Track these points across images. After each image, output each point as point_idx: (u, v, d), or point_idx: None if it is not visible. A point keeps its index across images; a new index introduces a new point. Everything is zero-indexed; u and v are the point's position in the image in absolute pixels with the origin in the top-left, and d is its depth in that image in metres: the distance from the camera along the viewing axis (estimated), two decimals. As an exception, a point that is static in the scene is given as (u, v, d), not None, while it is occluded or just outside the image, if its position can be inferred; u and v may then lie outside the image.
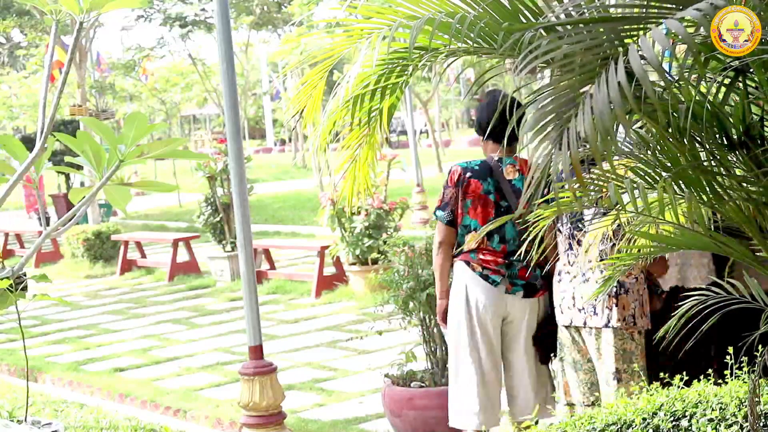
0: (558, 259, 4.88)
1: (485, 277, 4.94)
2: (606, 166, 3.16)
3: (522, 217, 3.57)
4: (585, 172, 3.06)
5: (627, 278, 4.61)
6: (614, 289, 4.62)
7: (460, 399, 5.08)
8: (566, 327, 4.81)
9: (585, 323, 4.70)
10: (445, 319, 5.13)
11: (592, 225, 4.64)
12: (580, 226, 4.73)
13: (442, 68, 3.72)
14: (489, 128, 4.87)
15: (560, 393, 4.92)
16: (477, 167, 4.98)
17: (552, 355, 5.06)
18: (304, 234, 16.88)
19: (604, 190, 3.15)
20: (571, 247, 4.79)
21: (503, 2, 3.05)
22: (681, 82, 2.82)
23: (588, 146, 2.55)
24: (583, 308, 4.70)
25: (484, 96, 5.34)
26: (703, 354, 4.59)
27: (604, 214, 3.68)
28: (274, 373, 5.27)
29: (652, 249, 3.47)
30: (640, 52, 2.44)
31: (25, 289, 2.51)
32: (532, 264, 4.61)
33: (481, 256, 4.94)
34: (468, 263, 4.96)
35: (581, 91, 2.59)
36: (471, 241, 4.93)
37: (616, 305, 4.62)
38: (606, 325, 4.64)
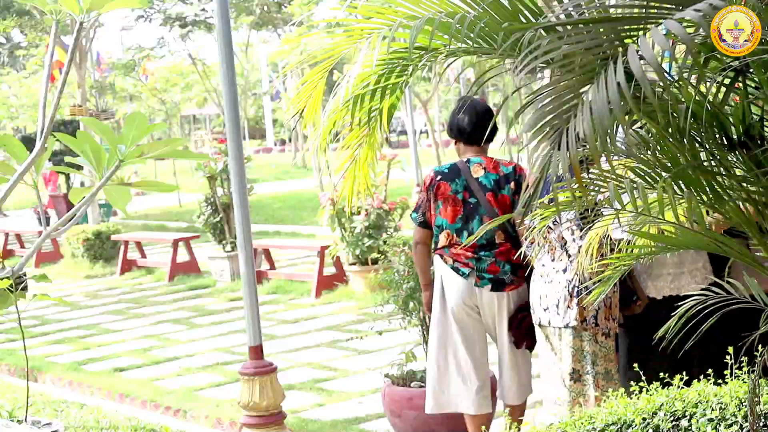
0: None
1: (456, 270, 5.24)
2: (605, 165, 3.16)
3: (523, 217, 3.61)
4: (584, 172, 3.07)
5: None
6: (576, 289, 4.69)
7: (431, 383, 5.38)
8: (539, 326, 4.93)
9: (549, 322, 4.82)
10: (430, 309, 5.47)
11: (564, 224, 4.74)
12: (551, 225, 4.77)
13: (442, 68, 3.72)
14: (457, 131, 5.34)
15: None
16: (447, 170, 5.34)
17: None
18: (304, 234, 16.88)
19: (603, 189, 3.15)
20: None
21: (503, 2, 3.05)
22: (680, 83, 2.82)
23: (587, 146, 2.55)
24: (548, 308, 4.82)
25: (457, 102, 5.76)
26: (704, 354, 4.58)
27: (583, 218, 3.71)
28: (274, 373, 5.27)
29: (652, 249, 3.47)
30: (639, 53, 2.44)
31: (25, 289, 2.50)
32: (524, 257, 4.89)
33: (453, 250, 5.25)
34: (441, 256, 5.29)
35: (581, 91, 2.59)
36: (469, 240, 5.13)
37: (577, 305, 4.69)
38: (566, 326, 4.75)
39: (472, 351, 5.27)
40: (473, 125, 5.22)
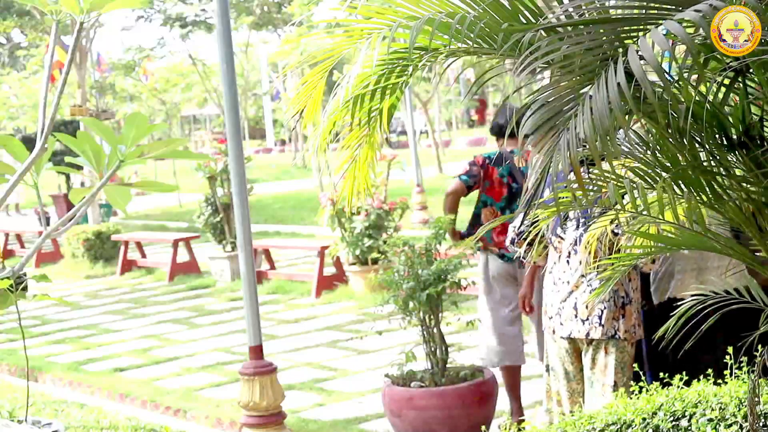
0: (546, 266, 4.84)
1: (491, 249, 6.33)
2: (605, 165, 3.16)
3: (524, 218, 3.63)
4: (585, 173, 3.06)
5: (630, 288, 4.58)
6: (621, 300, 4.54)
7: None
8: (562, 338, 4.72)
9: (588, 334, 4.60)
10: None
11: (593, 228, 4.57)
12: (561, 235, 4.64)
13: (442, 68, 3.72)
14: (498, 129, 6.27)
15: (544, 397, 4.88)
16: (494, 156, 6.36)
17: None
18: (304, 234, 16.88)
19: (603, 190, 3.15)
20: (577, 254, 4.65)
21: (503, 3, 3.05)
22: (680, 83, 2.82)
23: (588, 147, 2.55)
24: (587, 319, 4.60)
25: (498, 105, 6.89)
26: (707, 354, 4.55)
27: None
28: (274, 373, 5.27)
29: (652, 249, 3.47)
30: (639, 53, 2.44)
31: (25, 289, 2.51)
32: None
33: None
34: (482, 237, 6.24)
35: (581, 91, 2.59)
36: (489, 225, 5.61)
37: (623, 316, 4.54)
38: (612, 336, 4.55)
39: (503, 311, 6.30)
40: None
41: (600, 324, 4.57)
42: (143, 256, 14.94)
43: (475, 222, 6.34)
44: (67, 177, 19.82)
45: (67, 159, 2.53)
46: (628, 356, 4.60)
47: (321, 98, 3.82)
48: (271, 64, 38.79)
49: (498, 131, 6.29)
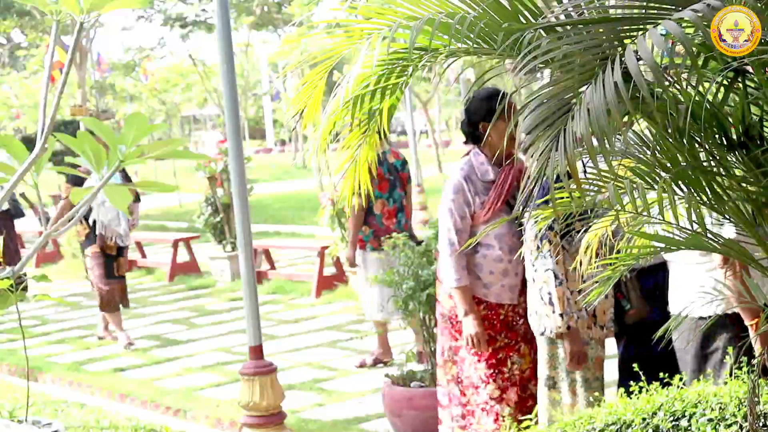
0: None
1: None
2: (603, 165, 3.15)
3: (518, 218, 3.62)
4: (582, 173, 3.07)
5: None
6: (549, 296, 4.59)
7: None
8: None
9: (533, 328, 4.76)
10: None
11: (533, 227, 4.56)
12: (546, 233, 4.63)
13: (442, 69, 3.72)
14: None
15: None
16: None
17: None
18: (304, 234, 16.86)
19: (603, 190, 3.15)
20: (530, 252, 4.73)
21: (503, 3, 3.05)
22: (679, 83, 2.82)
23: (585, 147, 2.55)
24: (532, 314, 4.74)
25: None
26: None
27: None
28: (274, 373, 5.27)
29: (651, 249, 3.47)
30: (637, 53, 2.44)
31: (25, 289, 2.51)
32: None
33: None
34: None
35: (579, 91, 2.59)
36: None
37: (554, 312, 4.58)
38: (541, 333, 4.66)
39: None
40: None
41: (536, 318, 4.71)
42: (143, 256, 14.93)
43: (369, 214, 7.38)
44: (67, 177, 19.80)
45: (67, 159, 2.53)
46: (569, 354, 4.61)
47: (321, 98, 3.83)
48: (271, 64, 38.77)
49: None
